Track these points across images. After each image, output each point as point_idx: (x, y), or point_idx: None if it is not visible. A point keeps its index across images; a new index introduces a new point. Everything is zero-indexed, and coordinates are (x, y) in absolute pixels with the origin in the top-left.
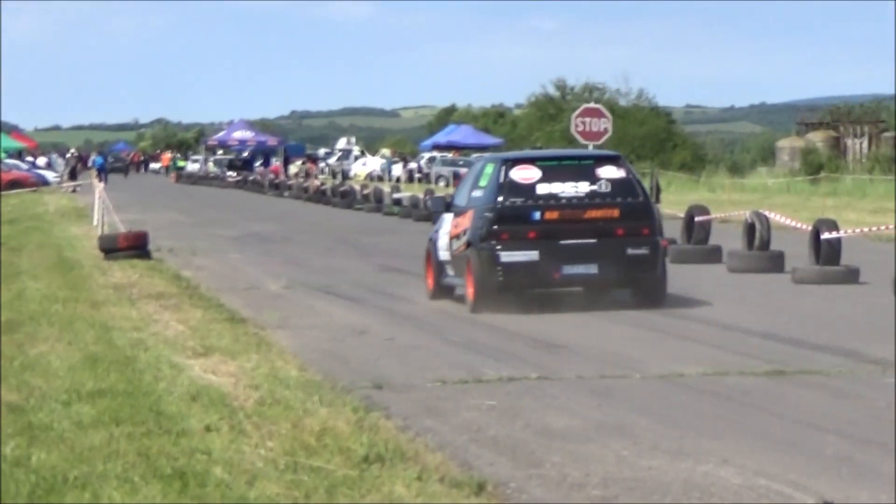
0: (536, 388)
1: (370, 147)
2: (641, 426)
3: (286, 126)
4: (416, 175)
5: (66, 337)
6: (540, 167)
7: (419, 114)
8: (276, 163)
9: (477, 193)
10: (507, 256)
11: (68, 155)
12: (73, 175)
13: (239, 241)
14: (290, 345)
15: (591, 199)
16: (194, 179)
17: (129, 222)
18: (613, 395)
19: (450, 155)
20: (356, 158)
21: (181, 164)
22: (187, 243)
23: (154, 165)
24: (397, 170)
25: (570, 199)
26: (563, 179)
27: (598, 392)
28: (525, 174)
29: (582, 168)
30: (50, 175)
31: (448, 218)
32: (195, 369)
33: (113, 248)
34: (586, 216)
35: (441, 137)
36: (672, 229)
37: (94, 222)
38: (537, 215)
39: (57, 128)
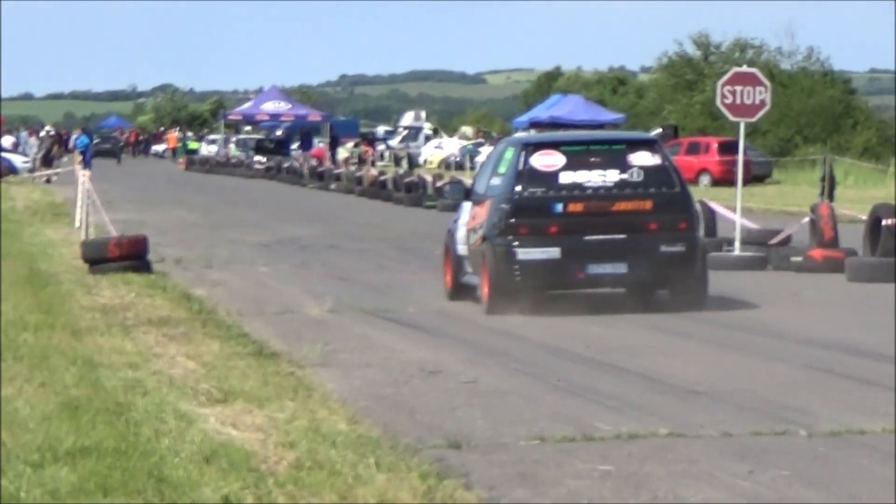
0: (666, 449)
1: (446, 124)
2: (809, 501)
3: (334, 96)
4: None
5: (39, 376)
6: (564, 153)
7: (511, 80)
8: (319, 145)
9: (496, 181)
10: (524, 254)
11: (42, 133)
12: (47, 160)
13: (269, 250)
14: (336, 388)
15: (621, 190)
16: (210, 166)
17: (123, 223)
18: (770, 459)
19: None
20: (427, 139)
21: (193, 145)
22: (200, 252)
23: (157, 147)
24: (483, 153)
25: (596, 189)
26: (590, 167)
27: (748, 454)
28: (547, 161)
29: (612, 154)
30: (18, 160)
31: (467, 207)
32: (210, 421)
33: (101, 257)
34: (615, 209)
35: (541, 112)
36: (850, 236)
37: (77, 223)
38: (559, 207)
39: (28, 97)
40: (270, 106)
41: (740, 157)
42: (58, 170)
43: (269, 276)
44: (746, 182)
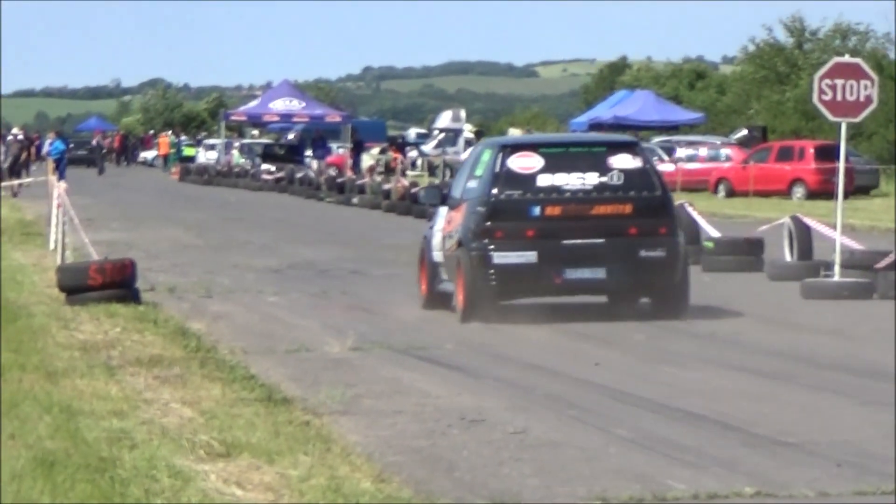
0: None
1: (491, 126)
2: None
3: (356, 92)
4: None
5: (8, 426)
6: (542, 155)
7: (568, 72)
8: (339, 151)
9: (472, 184)
10: (500, 258)
11: (10, 138)
12: (15, 169)
13: (280, 276)
14: (360, 440)
15: (600, 193)
16: (209, 176)
17: (106, 245)
18: None
19: None
20: (468, 144)
21: (188, 151)
22: (198, 278)
23: (146, 154)
24: None
25: (575, 192)
26: (569, 170)
27: None
28: (525, 163)
29: (591, 156)
30: None
31: (443, 212)
32: (210, 479)
33: (80, 285)
34: (594, 212)
35: (604, 110)
36: None
37: (51, 245)
38: (537, 211)
39: None
40: (280, 104)
41: (841, 165)
42: (26, 179)
43: (279, 307)
44: (849, 194)
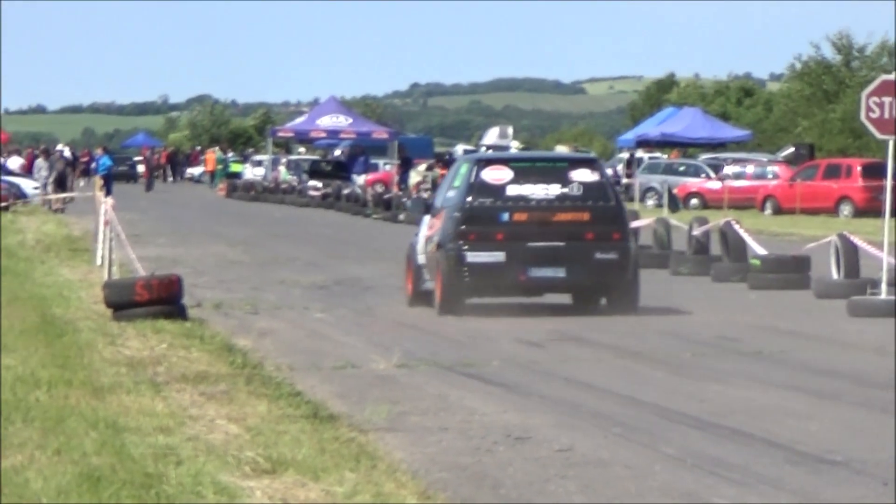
0: None
1: (538, 143)
2: None
3: (403, 109)
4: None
5: (53, 442)
6: (512, 168)
7: (616, 89)
8: (385, 167)
9: (451, 194)
10: (473, 257)
11: (54, 154)
12: (61, 184)
13: (327, 292)
14: (406, 457)
15: (562, 202)
16: (256, 193)
17: (153, 261)
18: None
19: (664, 156)
20: None
21: (235, 167)
22: (244, 295)
23: (193, 170)
24: None
25: (539, 201)
26: (535, 182)
27: None
28: (496, 175)
29: (555, 170)
30: (29, 185)
31: (427, 220)
32: (256, 495)
33: (127, 301)
34: (555, 219)
35: (651, 127)
36: None
37: (98, 260)
38: (506, 217)
39: (40, 110)
40: (327, 121)
41: (888, 183)
42: (68, 194)
43: (325, 323)
44: None
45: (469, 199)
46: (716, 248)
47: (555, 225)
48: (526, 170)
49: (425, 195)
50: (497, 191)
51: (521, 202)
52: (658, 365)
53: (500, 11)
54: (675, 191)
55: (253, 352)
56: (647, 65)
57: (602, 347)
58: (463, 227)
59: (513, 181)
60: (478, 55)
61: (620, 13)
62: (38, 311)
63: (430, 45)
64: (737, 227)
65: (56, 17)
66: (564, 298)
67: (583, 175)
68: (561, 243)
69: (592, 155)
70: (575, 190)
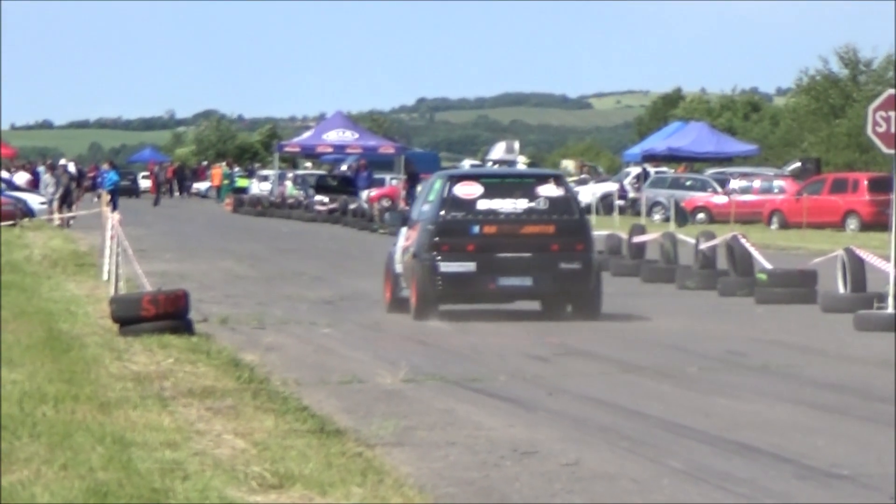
0: None
1: (544, 158)
2: None
3: (410, 123)
4: (618, 201)
5: (60, 457)
6: (483, 184)
7: (622, 104)
8: (392, 182)
9: (425, 208)
10: (445, 266)
11: (59, 168)
12: (66, 199)
13: (333, 307)
14: (413, 472)
15: (529, 216)
16: (263, 208)
17: (160, 276)
18: None
19: (671, 171)
20: None
21: (242, 182)
22: (251, 310)
23: (200, 185)
24: (586, 193)
25: (508, 214)
26: (504, 196)
27: None
28: (468, 190)
29: (522, 186)
30: (36, 200)
31: (404, 231)
32: None
33: (134, 316)
34: (523, 231)
35: (658, 142)
36: None
37: (104, 276)
38: (476, 229)
39: (47, 125)
40: (334, 136)
41: (895, 197)
42: (74, 213)
43: (332, 338)
44: None
45: (442, 212)
46: (722, 262)
47: (522, 237)
48: (495, 185)
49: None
50: (468, 205)
51: (491, 216)
52: (664, 379)
53: (506, 26)
54: (682, 205)
55: (260, 367)
56: (653, 80)
57: (608, 362)
58: (436, 238)
59: (483, 196)
60: (484, 70)
61: (627, 28)
62: (45, 326)
63: (437, 60)
64: (743, 241)
65: (63, 33)
66: (533, 305)
67: (548, 190)
68: (528, 254)
69: (558, 172)
70: (541, 204)
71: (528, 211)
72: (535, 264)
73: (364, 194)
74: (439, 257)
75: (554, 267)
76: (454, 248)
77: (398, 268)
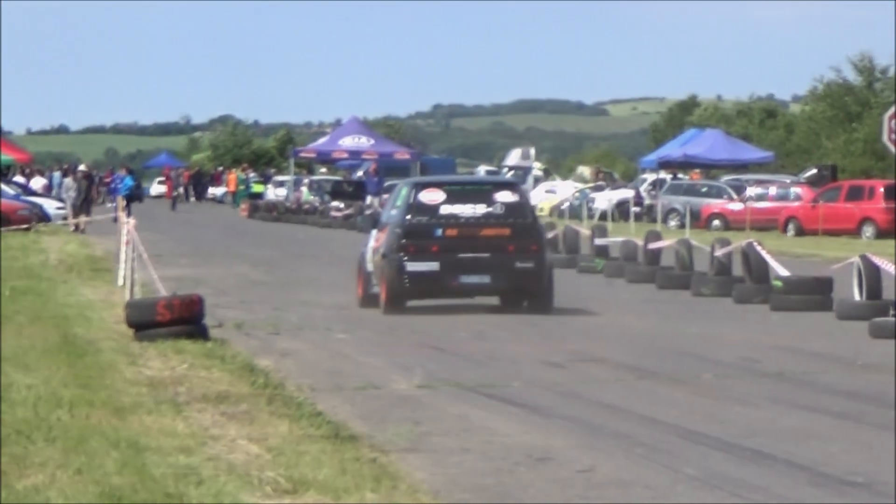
0: None
1: (560, 164)
2: None
3: (426, 130)
4: (633, 208)
5: (75, 461)
6: (445, 191)
7: (638, 111)
8: None
9: (393, 212)
10: (412, 266)
11: (78, 173)
12: (86, 204)
13: (348, 313)
14: (427, 478)
15: (487, 220)
16: (278, 213)
17: (175, 281)
18: None
19: (686, 177)
20: (537, 181)
21: (257, 188)
22: (266, 315)
23: (215, 190)
24: (602, 199)
25: (468, 218)
26: (464, 202)
27: None
28: (431, 196)
29: (481, 192)
30: (52, 205)
31: (374, 233)
32: None
33: (149, 321)
34: (482, 234)
35: (674, 149)
36: None
37: (120, 281)
38: (439, 232)
39: (62, 130)
40: (350, 141)
41: None
42: (88, 219)
43: (347, 344)
44: None
45: (408, 216)
46: (738, 269)
47: (481, 239)
48: (456, 192)
49: None
50: (432, 210)
51: (453, 219)
52: (679, 386)
53: (522, 33)
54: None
55: (274, 372)
56: (669, 86)
57: (623, 368)
58: (403, 240)
59: (445, 202)
60: (500, 76)
61: (643, 35)
62: (60, 330)
63: (453, 67)
64: (759, 248)
65: (79, 38)
66: (493, 300)
67: (505, 196)
68: (486, 254)
69: (514, 179)
70: (498, 209)
71: (486, 215)
72: (493, 263)
73: (376, 200)
74: (406, 257)
75: (510, 266)
76: (419, 248)
77: (369, 266)
